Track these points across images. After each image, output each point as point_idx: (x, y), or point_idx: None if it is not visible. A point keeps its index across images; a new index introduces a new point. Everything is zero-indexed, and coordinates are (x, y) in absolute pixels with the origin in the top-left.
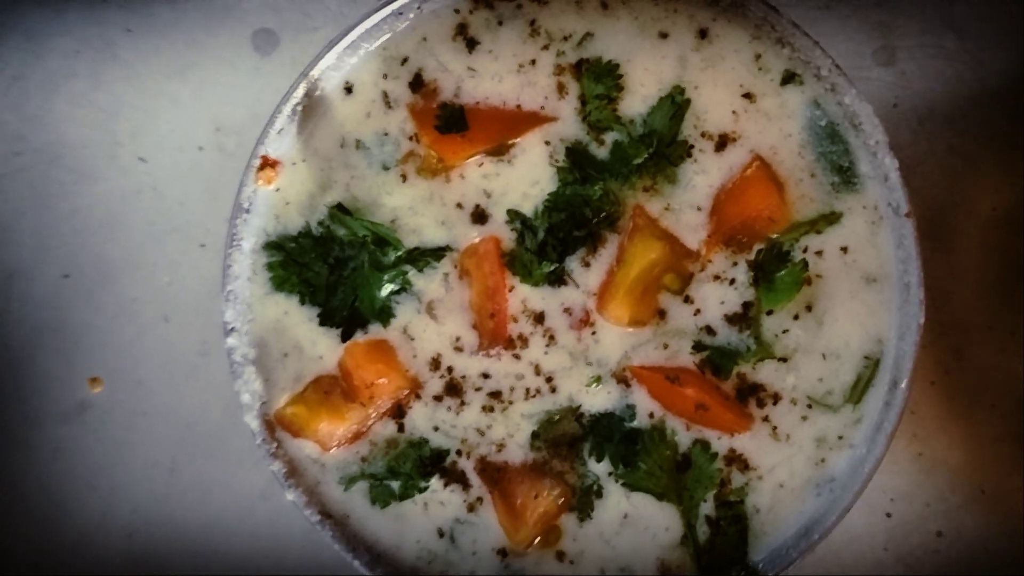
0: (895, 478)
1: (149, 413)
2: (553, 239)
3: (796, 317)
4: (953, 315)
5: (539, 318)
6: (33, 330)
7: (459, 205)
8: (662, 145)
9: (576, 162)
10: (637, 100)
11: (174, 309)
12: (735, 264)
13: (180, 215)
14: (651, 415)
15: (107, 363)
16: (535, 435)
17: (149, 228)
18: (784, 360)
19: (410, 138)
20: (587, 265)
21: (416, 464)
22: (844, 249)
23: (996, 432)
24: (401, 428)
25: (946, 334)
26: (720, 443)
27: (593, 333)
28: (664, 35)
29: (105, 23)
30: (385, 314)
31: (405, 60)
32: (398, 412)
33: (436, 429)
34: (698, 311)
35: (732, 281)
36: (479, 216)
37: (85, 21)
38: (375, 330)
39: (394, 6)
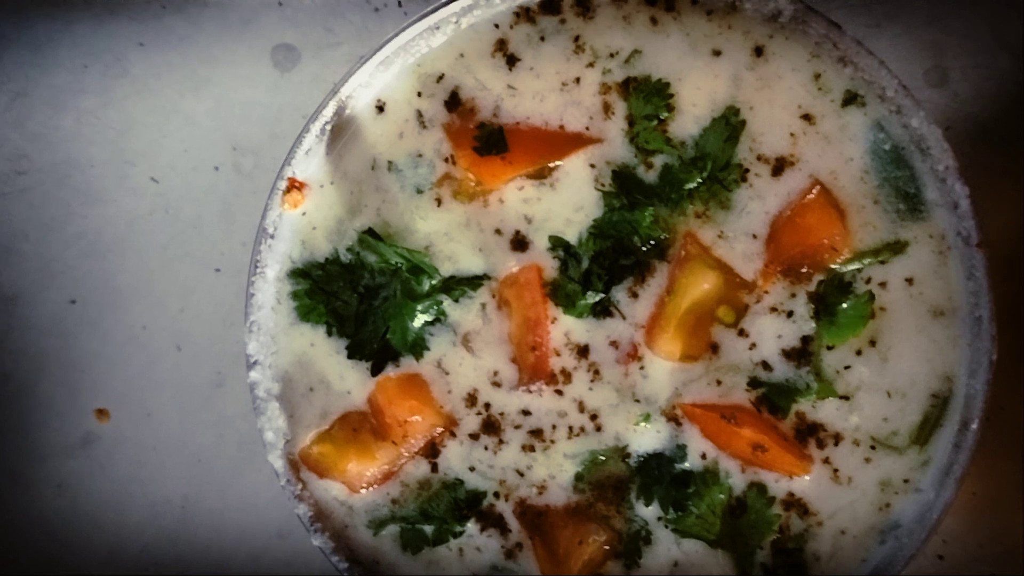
0: (948, 518)
1: (159, 447)
2: (598, 268)
3: (859, 352)
4: (1012, 349)
5: (583, 352)
6: (36, 358)
7: (498, 231)
8: (715, 169)
9: (623, 186)
10: (688, 121)
11: (187, 338)
12: (793, 295)
13: (194, 239)
14: (703, 456)
15: (115, 394)
16: (579, 476)
17: (161, 252)
18: (846, 398)
19: (446, 160)
20: (635, 296)
21: (451, 507)
22: (910, 280)
23: None
24: (435, 468)
25: (1003, 368)
26: (778, 486)
27: (641, 368)
28: (717, 52)
29: (116, 36)
30: (418, 347)
31: (441, 77)
32: (431, 451)
33: (472, 469)
34: (753, 345)
35: (790, 313)
36: (519, 243)
37: (94, 34)
38: (407, 363)
39: (430, 20)
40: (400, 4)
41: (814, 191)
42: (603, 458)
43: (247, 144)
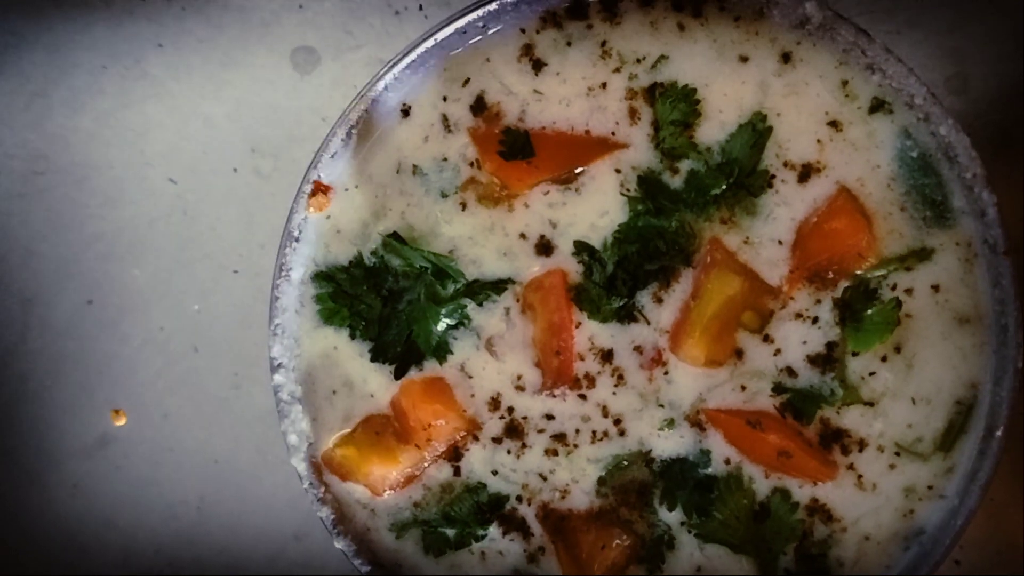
0: None
1: (175, 448)
2: (623, 273)
3: (884, 359)
4: None
5: (607, 356)
6: (53, 359)
7: (523, 235)
8: (741, 175)
9: (649, 192)
10: (715, 127)
11: (204, 339)
12: (819, 302)
13: (212, 240)
14: (727, 461)
15: (131, 395)
16: (602, 481)
17: (179, 253)
18: (871, 404)
19: (471, 164)
20: (659, 301)
21: (473, 510)
22: (935, 288)
23: None
24: (457, 472)
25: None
26: (802, 492)
27: (665, 373)
28: (744, 59)
29: (135, 38)
30: (442, 350)
31: (467, 81)
32: (454, 455)
33: (495, 473)
34: (778, 351)
35: (815, 320)
36: (544, 247)
37: (113, 35)
38: (430, 367)
39: (457, 25)
40: (421, 7)
41: (841, 198)
42: (626, 463)
43: (266, 146)
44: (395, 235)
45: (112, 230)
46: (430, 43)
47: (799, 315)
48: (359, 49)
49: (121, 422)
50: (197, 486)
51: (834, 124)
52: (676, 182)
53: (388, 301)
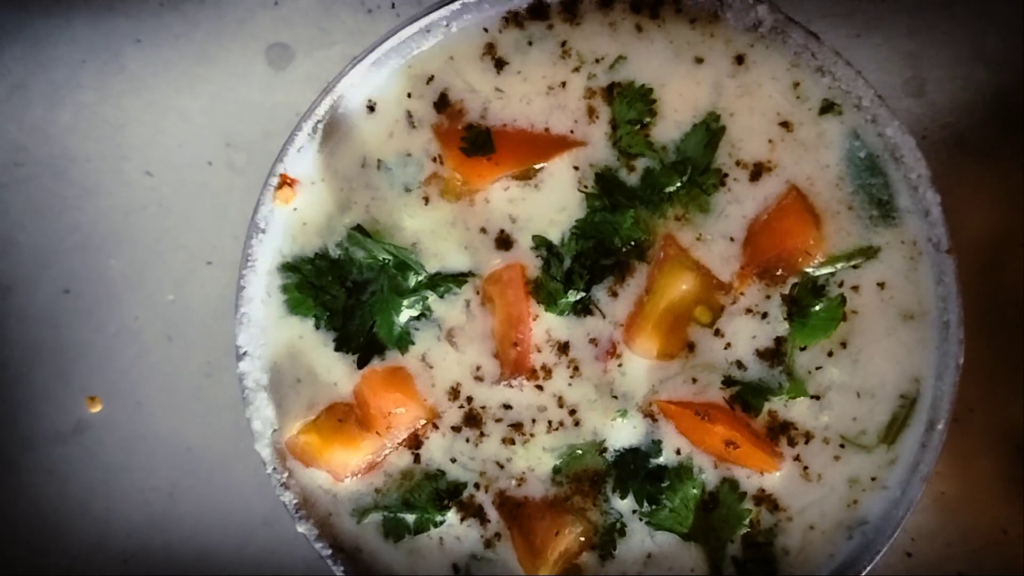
0: (917, 517)
1: (148, 436)
2: (580, 267)
3: (830, 354)
4: (980, 352)
5: (563, 348)
6: (30, 347)
7: (483, 230)
8: (695, 173)
9: (605, 188)
10: (670, 126)
11: (177, 329)
12: (768, 297)
13: (186, 232)
14: (678, 451)
15: (106, 383)
16: (557, 470)
17: (154, 244)
18: (817, 398)
19: (434, 159)
20: (614, 295)
21: (432, 497)
22: (881, 285)
23: (1021, 473)
24: (417, 459)
25: (971, 370)
26: (749, 482)
27: (619, 365)
28: (700, 60)
29: (113, 33)
30: (404, 341)
31: (431, 79)
32: (415, 443)
33: (454, 461)
34: (728, 345)
35: (764, 315)
36: (503, 241)
37: (92, 30)
38: (392, 357)
39: (421, 23)
40: (393, 6)
41: (790, 196)
42: (581, 452)
43: (240, 141)
44: (359, 228)
45: (89, 221)
46: (395, 41)
47: (749, 310)
48: (333, 46)
49: (96, 409)
50: (170, 473)
51: (785, 124)
52: (632, 179)
53: (352, 292)
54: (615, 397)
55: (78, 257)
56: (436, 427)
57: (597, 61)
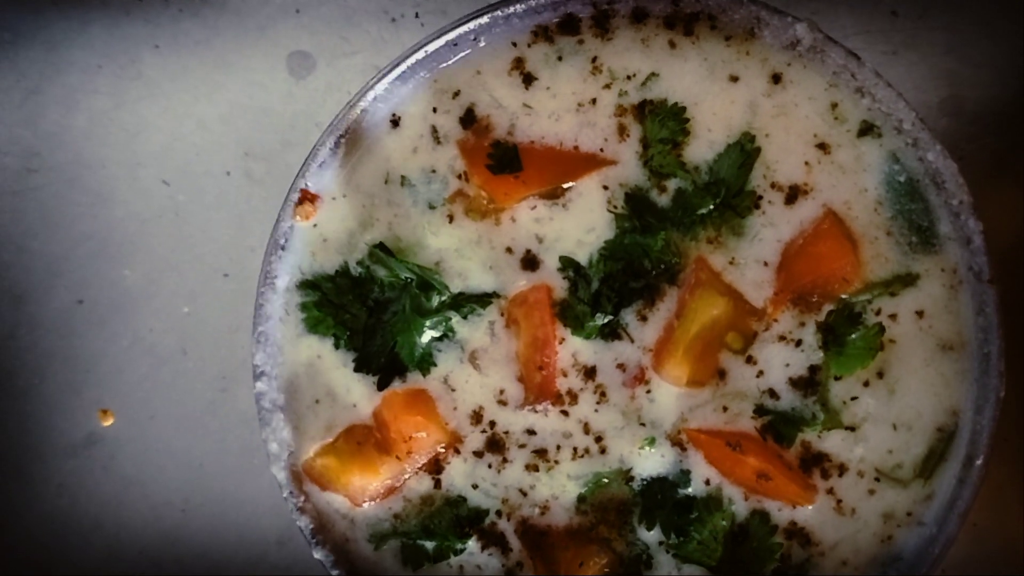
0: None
1: (161, 450)
2: (608, 290)
3: (866, 384)
4: (1014, 381)
5: (590, 373)
6: (41, 357)
7: (509, 250)
8: (729, 195)
9: (636, 209)
10: (703, 146)
11: (193, 342)
12: (802, 324)
13: (203, 243)
14: (707, 482)
15: (119, 395)
16: (581, 498)
17: (169, 255)
18: (852, 429)
19: (459, 176)
20: (643, 319)
21: (452, 524)
22: (920, 313)
23: None
24: (438, 484)
25: (1006, 400)
26: (780, 515)
27: (648, 392)
28: (735, 78)
29: (131, 39)
30: (425, 362)
31: (457, 94)
32: (435, 467)
33: (475, 487)
34: (761, 373)
35: (798, 343)
36: (530, 262)
37: (110, 35)
38: (414, 379)
39: (448, 36)
40: (417, 16)
41: (827, 221)
42: (606, 480)
43: (259, 150)
44: (381, 246)
45: (103, 229)
46: (421, 54)
47: (783, 337)
48: (355, 55)
49: (108, 422)
50: (182, 488)
51: (822, 146)
52: (663, 200)
53: (373, 312)
54: (643, 424)
55: (92, 266)
56: (458, 452)
57: (629, 78)
